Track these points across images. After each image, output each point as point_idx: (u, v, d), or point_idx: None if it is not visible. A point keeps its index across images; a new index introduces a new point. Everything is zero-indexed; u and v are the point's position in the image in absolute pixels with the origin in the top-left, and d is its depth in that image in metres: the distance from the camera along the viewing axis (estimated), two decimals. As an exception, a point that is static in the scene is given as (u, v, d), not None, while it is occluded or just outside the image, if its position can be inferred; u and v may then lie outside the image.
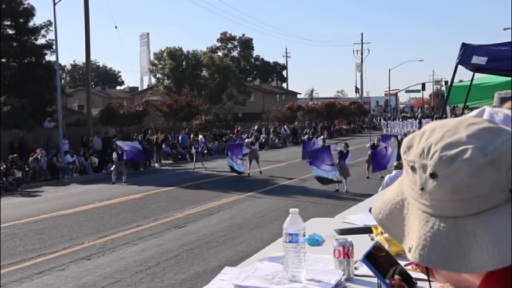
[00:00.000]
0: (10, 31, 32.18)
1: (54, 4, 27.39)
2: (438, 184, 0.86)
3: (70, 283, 8.93)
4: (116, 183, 22.07)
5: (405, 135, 28.37)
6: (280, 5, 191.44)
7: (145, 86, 74.53)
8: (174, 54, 55.47)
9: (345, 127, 59.58)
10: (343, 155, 18.51)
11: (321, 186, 18.24)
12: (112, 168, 23.21)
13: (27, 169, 23.51)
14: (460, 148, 0.85)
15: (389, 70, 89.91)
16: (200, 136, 31.54)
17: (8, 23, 31.87)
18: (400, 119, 67.73)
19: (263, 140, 41.60)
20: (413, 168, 0.91)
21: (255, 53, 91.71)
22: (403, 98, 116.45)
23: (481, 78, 7.37)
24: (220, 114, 57.73)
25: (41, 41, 32.69)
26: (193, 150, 28.02)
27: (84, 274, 9.37)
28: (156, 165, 30.26)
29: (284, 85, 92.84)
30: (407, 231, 0.93)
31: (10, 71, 31.54)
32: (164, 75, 56.40)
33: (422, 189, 0.89)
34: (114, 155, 23.21)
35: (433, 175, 0.86)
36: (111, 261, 10.22)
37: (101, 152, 28.57)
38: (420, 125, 57.74)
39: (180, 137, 35.26)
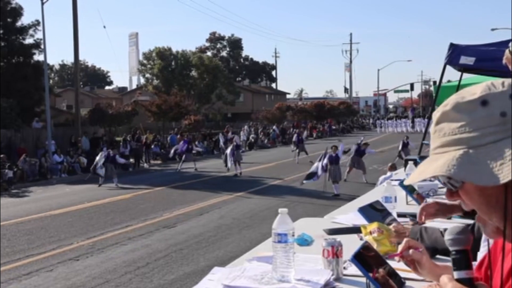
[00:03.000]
0: (-2, 31, 31.93)
1: (42, 3, 27.23)
2: None
3: (58, 284, 8.88)
4: (102, 184, 21.60)
5: (407, 137, 28.30)
6: (269, 5, 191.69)
7: (134, 86, 74.26)
8: (163, 54, 55.33)
9: (334, 127, 59.71)
10: (333, 159, 18.00)
11: (310, 186, 18.23)
12: (102, 173, 21.82)
13: (15, 169, 23.33)
14: None
15: (378, 70, 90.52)
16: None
17: (-4, 22, 31.61)
18: (394, 119, 68.27)
19: (253, 140, 41.62)
20: (484, 103, 0.96)
21: (244, 53, 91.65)
22: (392, 98, 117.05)
23: (469, 78, 7.42)
24: (210, 114, 57.68)
25: (29, 40, 32.46)
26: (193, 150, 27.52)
27: (73, 275, 9.32)
28: (145, 165, 30.16)
29: (274, 85, 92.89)
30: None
31: (-3, 70, 31.30)
32: (153, 75, 56.24)
33: (503, 114, 0.94)
34: (99, 158, 21.92)
35: None
36: (100, 261, 10.18)
37: (89, 152, 28.41)
38: (413, 124, 58.42)
39: (169, 138, 35.17)
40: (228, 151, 24.01)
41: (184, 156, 26.71)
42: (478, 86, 0.99)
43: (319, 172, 17.21)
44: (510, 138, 0.92)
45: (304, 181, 17.35)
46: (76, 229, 13.21)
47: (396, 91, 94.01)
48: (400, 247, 1.69)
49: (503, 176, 0.90)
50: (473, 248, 1.16)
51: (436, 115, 1.03)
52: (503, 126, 0.94)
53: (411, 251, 1.65)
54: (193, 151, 28.09)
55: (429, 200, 2.63)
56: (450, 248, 1.12)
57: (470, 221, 2.18)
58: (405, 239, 1.72)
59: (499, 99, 0.95)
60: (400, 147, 26.21)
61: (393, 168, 13.05)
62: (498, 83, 0.98)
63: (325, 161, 17.43)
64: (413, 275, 1.74)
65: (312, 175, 17.22)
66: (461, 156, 0.95)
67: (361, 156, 20.85)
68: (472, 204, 1.00)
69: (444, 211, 2.50)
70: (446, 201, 2.74)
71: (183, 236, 12.19)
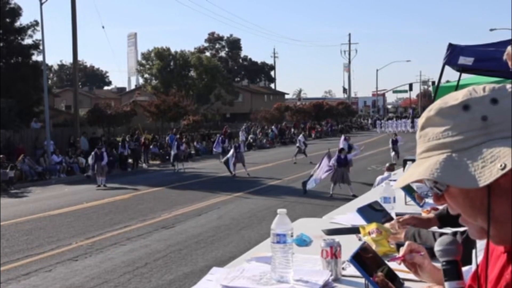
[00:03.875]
0: (-4, 31, 31.92)
1: (41, 4, 27.20)
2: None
3: (57, 284, 8.87)
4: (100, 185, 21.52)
5: (395, 135, 28.38)
6: (268, 6, 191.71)
7: (133, 87, 74.23)
8: (162, 54, 55.34)
9: (329, 129, 59.76)
10: (341, 160, 17.72)
11: (310, 186, 18.23)
12: (91, 173, 22.00)
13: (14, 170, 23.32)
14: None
15: (377, 70, 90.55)
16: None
17: (-6, 23, 31.60)
18: (394, 119, 68.49)
19: (251, 140, 41.62)
20: (466, 107, 0.98)
21: (243, 54, 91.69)
22: (391, 98, 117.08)
23: (468, 78, 7.41)
24: (208, 114, 57.64)
25: (27, 41, 32.48)
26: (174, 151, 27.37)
27: (72, 275, 9.31)
28: (144, 165, 30.15)
29: (272, 85, 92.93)
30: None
31: (-4, 71, 31.28)
32: (151, 75, 56.26)
33: (484, 118, 0.96)
34: (91, 159, 22.18)
35: (494, 101, 0.97)
36: (98, 261, 10.17)
37: (88, 153, 28.39)
38: (413, 124, 58.65)
39: (167, 138, 35.16)
40: (229, 154, 23.90)
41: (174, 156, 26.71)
42: (460, 92, 1.02)
43: (322, 174, 17.03)
44: (491, 142, 0.94)
45: (308, 187, 17.00)
46: (75, 229, 13.20)
47: (395, 91, 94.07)
48: (402, 251, 1.69)
49: (484, 178, 0.91)
50: (464, 261, 1.17)
51: (421, 120, 1.05)
52: (484, 129, 0.95)
53: (413, 254, 1.66)
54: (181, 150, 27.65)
55: (406, 216, 2.62)
56: (440, 259, 1.13)
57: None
58: (407, 243, 1.73)
59: (480, 104, 0.97)
60: (390, 145, 26.50)
61: (391, 168, 13.04)
62: (479, 88, 1.00)
63: (333, 161, 17.29)
64: (412, 275, 1.74)
65: (312, 180, 17.06)
66: (444, 160, 0.96)
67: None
68: (457, 207, 1.01)
69: (420, 225, 2.49)
70: (423, 215, 2.76)
71: (182, 236, 12.18)
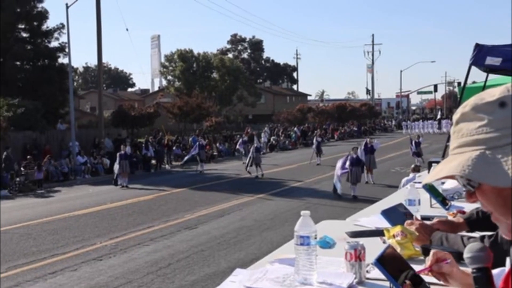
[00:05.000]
0: (24, 34, 32.45)
1: (67, 7, 27.59)
2: None
3: (82, 283, 8.97)
4: (119, 187, 21.72)
5: (418, 137, 28.06)
6: (290, 7, 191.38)
7: (156, 88, 74.80)
8: (185, 56, 55.64)
9: (355, 129, 59.40)
10: (353, 160, 17.80)
11: (332, 188, 18.17)
12: (116, 171, 22.22)
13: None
14: None
15: (401, 71, 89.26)
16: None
17: (23, 26, 32.13)
18: (420, 120, 68.09)
19: (274, 142, 41.59)
20: (502, 104, 0.98)
21: (265, 55, 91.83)
22: (415, 99, 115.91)
23: (495, 79, 7.29)
24: (231, 116, 57.79)
25: (54, 44, 32.95)
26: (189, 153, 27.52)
27: (96, 275, 9.41)
28: (167, 166, 30.33)
29: (295, 86, 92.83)
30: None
31: (24, 73, 31.78)
32: (174, 77, 56.59)
33: None
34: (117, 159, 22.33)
35: None
36: (122, 261, 10.25)
37: (112, 154, 28.69)
38: (440, 125, 58.20)
39: (190, 139, 35.32)
40: (250, 154, 24.07)
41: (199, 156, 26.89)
42: (498, 89, 1.00)
43: (339, 173, 17.13)
44: None
45: (339, 192, 17.11)
46: (100, 230, 13.33)
47: (419, 93, 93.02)
48: (428, 261, 1.66)
49: None
50: (498, 264, 1.14)
51: (455, 116, 1.03)
52: None
53: (440, 264, 1.62)
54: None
55: (434, 220, 2.55)
56: (470, 266, 1.11)
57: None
58: (432, 252, 1.69)
59: None
60: (413, 147, 26.19)
61: (417, 169, 12.91)
62: None
63: (348, 163, 17.29)
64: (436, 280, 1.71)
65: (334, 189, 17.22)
66: (477, 157, 0.95)
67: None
68: (489, 205, 0.99)
69: (449, 230, 2.41)
70: (449, 219, 2.68)
71: (205, 237, 12.22)
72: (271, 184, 21.53)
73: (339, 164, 17.46)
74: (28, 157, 23.65)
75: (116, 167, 22.29)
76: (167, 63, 57.62)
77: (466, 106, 1.01)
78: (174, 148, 32.46)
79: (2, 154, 23.01)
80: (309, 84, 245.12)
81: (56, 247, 11.60)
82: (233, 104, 57.90)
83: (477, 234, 2.30)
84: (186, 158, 27.85)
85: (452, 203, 3.33)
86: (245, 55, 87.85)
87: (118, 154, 22.73)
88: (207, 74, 55.87)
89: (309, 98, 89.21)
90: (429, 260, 1.65)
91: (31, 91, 29.10)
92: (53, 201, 19.07)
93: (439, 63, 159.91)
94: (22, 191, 21.19)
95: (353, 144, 22.21)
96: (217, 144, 36.80)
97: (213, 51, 62.36)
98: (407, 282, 1.62)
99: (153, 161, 29.49)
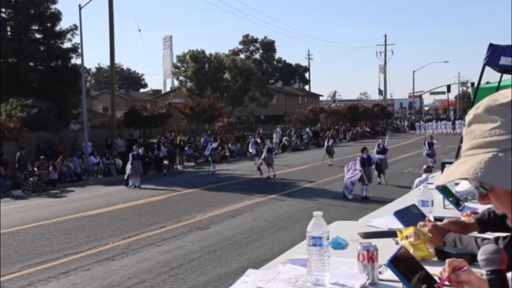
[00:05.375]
0: (38, 35, 32.70)
1: (80, 8, 27.76)
2: None
3: (95, 283, 9.02)
4: (130, 188, 21.81)
5: (431, 137, 27.88)
6: (302, 7, 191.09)
7: (168, 89, 75.02)
8: (197, 57, 55.75)
9: (367, 130, 59.22)
10: (365, 161, 17.78)
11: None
12: (128, 171, 22.40)
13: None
14: None
15: (413, 71, 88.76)
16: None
17: (36, 27, 32.38)
18: (434, 121, 67.90)
19: (286, 142, 41.56)
20: None
21: (277, 55, 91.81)
22: (428, 100, 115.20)
23: (510, 79, 7.23)
24: (243, 116, 57.84)
25: (67, 44, 33.18)
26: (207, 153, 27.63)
27: (109, 275, 9.45)
28: (179, 167, 30.41)
29: (307, 87, 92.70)
30: None
31: (37, 74, 32.04)
32: (186, 77, 56.72)
33: None
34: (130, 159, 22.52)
35: None
36: (135, 261, 10.30)
37: (125, 154, 28.83)
38: (454, 126, 57.91)
39: (202, 139, 35.41)
40: (263, 156, 24.21)
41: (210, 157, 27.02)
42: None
43: (351, 179, 16.97)
44: None
45: (350, 196, 17.03)
46: (112, 230, 13.40)
47: (432, 93, 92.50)
48: (445, 272, 1.64)
49: None
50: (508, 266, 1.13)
51: (468, 117, 1.02)
52: None
53: (458, 273, 1.60)
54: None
55: (444, 220, 2.52)
56: (484, 269, 1.10)
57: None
58: (447, 261, 1.67)
59: None
60: (426, 148, 26.10)
61: (429, 170, 12.84)
62: None
63: (358, 165, 17.20)
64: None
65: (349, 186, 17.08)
66: (489, 159, 0.93)
67: (370, 165, 18.04)
68: (502, 207, 0.98)
69: (459, 231, 2.38)
70: (462, 219, 2.63)
71: (216, 237, 12.24)
72: (283, 184, 21.52)
73: (348, 167, 17.30)
74: (41, 157, 23.84)
75: (128, 167, 22.41)
76: (179, 64, 57.76)
77: (479, 107, 1.00)
78: (186, 148, 32.56)
79: (16, 155, 23.21)
80: (321, 84, 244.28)
81: (69, 247, 11.67)
82: (245, 104, 57.90)
83: (491, 236, 2.29)
84: (202, 159, 27.86)
85: (466, 204, 3.30)
86: (257, 56, 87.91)
87: (130, 154, 22.86)
88: (219, 74, 55.94)
89: (321, 98, 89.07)
90: (445, 270, 1.63)
91: (44, 92, 29.32)
92: (66, 201, 19.20)
93: (452, 63, 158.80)
94: (35, 191, 21.36)
95: (365, 145, 22.12)
96: (229, 145, 36.85)
97: (225, 52, 62.47)
98: (424, 286, 1.60)
99: (165, 162, 29.59)
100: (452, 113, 78.25)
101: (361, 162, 17.30)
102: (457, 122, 58.64)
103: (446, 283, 1.62)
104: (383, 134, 53.82)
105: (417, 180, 11.49)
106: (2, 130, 24.04)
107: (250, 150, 31.16)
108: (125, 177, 22.48)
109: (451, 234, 2.28)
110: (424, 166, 13.64)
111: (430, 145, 26.20)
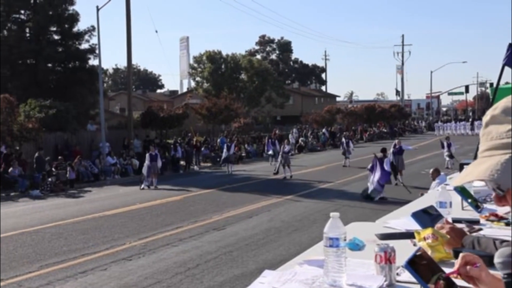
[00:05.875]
0: (56, 37, 33.02)
1: (98, 10, 27.99)
2: None
3: (112, 282, 9.08)
4: (144, 189, 21.81)
5: (447, 138, 27.69)
6: (319, 8, 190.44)
7: (185, 89, 75.22)
8: (213, 58, 55.88)
9: (385, 130, 58.90)
10: (381, 162, 17.71)
11: (360, 189, 18.07)
12: (145, 173, 22.40)
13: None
14: None
15: (431, 72, 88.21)
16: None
17: (54, 28, 32.71)
18: (453, 121, 67.45)
19: (302, 143, 41.51)
20: None
21: (293, 56, 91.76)
22: (446, 100, 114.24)
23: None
24: (259, 117, 57.85)
25: (84, 46, 33.44)
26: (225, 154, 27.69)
27: (126, 274, 9.51)
28: (195, 167, 30.51)
29: (323, 87, 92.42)
30: None
31: (55, 75, 32.36)
32: (203, 78, 56.86)
33: None
34: (147, 159, 22.55)
35: None
36: (151, 262, 10.35)
37: (141, 155, 28.99)
38: (472, 126, 57.47)
39: (219, 140, 35.50)
40: (279, 157, 24.24)
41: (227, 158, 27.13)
42: None
43: (379, 180, 16.84)
44: None
45: (377, 197, 16.93)
46: (129, 230, 13.48)
47: (450, 93, 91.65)
48: (456, 264, 1.63)
49: None
50: None
51: (485, 118, 1.02)
52: None
53: (468, 268, 1.59)
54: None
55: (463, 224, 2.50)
56: (501, 272, 1.09)
57: None
58: (461, 254, 1.67)
59: None
60: (446, 149, 25.97)
61: (437, 173, 12.62)
62: None
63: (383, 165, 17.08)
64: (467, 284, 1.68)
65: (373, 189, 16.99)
66: (506, 161, 0.93)
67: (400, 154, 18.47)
68: None
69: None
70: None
71: (233, 238, 12.25)
72: (300, 185, 21.49)
73: (373, 168, 17.14)
74: (59, 157, 24.06)
75: (145, 168, 22.42)
76: (195, 65, 57.93)
77: (496, 108, 1.00)
78: (202, 149, 32.65)
79: (35, 155, 23.46)
80: (338, 85, 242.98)
81: (86, 246, 11.77)
82: (261, 105, 57.90)
83: (510, 238, 2.26)
84: (223, 160, 27.84)
85: (485, 205, 3.28)
86: (273, 56, 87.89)
87: (148, 154, 22.92)
88: (235, 75, 56.02)
89: (337, 99, 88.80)
90: (457, 263, 1.62)
91: (62, 93, 29.61)
92: (84, 201, 19.36)
93: (470, 64, 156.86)
94: (53, 191, 21.56)
95: (382, 146, 22.02)
96: (246, 145, 36.88)
97: (241, 53, 62.56)
98: (441, 281, 1.59)
99: (182, 162, 29.70)
100: (470, 114, 77.53)
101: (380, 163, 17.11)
102: (475, 122, 58.17)
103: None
104: (400, 135, 53.65)
105: (434, 183, 11.40)
106: (21, 130, 24.34)
107: (269, 152, 31.19)
108: (142, 178, 22.56)
109: (470, 236, 2.26)
110: (431, 170, 13.16)
111: (449, 145, 26.06)
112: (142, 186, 22.03)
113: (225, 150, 27.47)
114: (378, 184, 16.77)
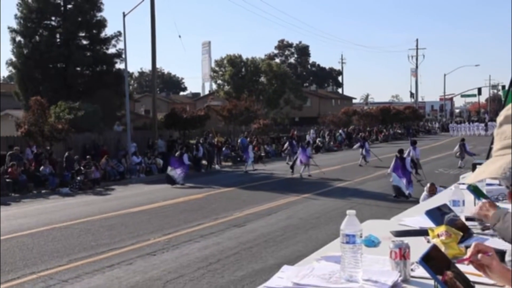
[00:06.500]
0: (84, 42, 33.33)
1: (124, 16, 28.22)
2: None
3: (137, 276, 9.15)
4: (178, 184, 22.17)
5: (462, 140, 27.35)
6: (335, 13, 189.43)
7: (207, 92, 75.54)
8: (234, 61, 55.95)
9: (399, 131, 58.48)
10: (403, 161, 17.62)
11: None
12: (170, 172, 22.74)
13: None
14: None
15: (444, 75, 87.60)
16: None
17: (83, 34, 33.03)
18: (467, 122, 67.03)
19: (319, 143, 41.38)
20: None
21: (311, 60, 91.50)
22: (459, 102, 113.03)
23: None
24: (278, 118, 57.72)
25: (111, 50, 33.65)
26: (251, 155, 27.93)
27: (150, 269, 9.58)
28: (217, 166, 30.57)
29: (340, 90, 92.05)
30: None
31: (84, 78, 32.66)
32: (224, 81, 56.95)
33: None
34: (186, 158, 23.13)
35: None
36: (174, 257, 10.40)
37: (165, 154, 29.15)
38: (486, 127, 56.95)
39: (239, 140, 35.54)
40: (298, 160, 24.25)
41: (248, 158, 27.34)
42: None
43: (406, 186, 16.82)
44: None
45: (407, 192, 16.83)
46: (153, 226, 13.56)
47: (463, 96, 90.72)
48: (468, 252, 1.63)
49: None
50: None
51: (499, 118, 1.01)
52: None
53: (480, 255, 1.59)
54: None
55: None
56: None
57: None
58: (473, 243, 1.66)
59: None
60: (459, 150, 25.75)
61: (433, 190, 11.75)
62: None
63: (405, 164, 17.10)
64: (483, 279, 1.67)
65: (400, 192, 16.90)
66: None
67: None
68: None
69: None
70: None
71: (252, 234, 12.26)
72: (317, 184, 21.42)
73: (395, 167, 17.08)
74: (87, 157, 24.30)
75: (173, 171, 22.65)
76: (217, 68, 58.07)
77: (509, 109, 0.99)
78: (223, 149, 32.72)
79: (64, 154, 23.72)
80: (354, 87, 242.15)
81: (113, 242, 11.87)
82: (280, 107, 57.81)
83: None
84: (250, 162, 27.93)
85: (497, 204, 3.24)
86: (292, 60, 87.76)
87: (177, 154, 23.18)
88: (255, 78, 56.00)
89: (354, 101, 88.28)
90: (470, 251, 1.62)
91: (90, 95, 29.86)
92: (110, 199, 19.52)
93: (483, 67, 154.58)
94: (81, 189, 21.78)
95: (399, 146, 21.86)
96: (265, 146, 36.87)
97: (261, 56, 62.57)
98: (448, 272, 1.59)
99: (204, 162, 29.78)
100: (486, 115, 76.67)
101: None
102: (489, 123, 57.63)
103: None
104: (414, 136, 53.27)
105: (424, 194, 11.39)
106: (51, 131, 24.64)
107: (286, 148, 31.31)
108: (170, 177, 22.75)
109: (501, 210, 2.21)
110: (428, 185, 12.43)
111: (463, 146, 25.87)
112: (176, 180, 22.14)
113: (250, 151, 27.81)
114: (406, 182, 16.77)
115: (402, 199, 16.40)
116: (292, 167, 24.56)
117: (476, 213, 2.20)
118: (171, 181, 22.35)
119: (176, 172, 22.36)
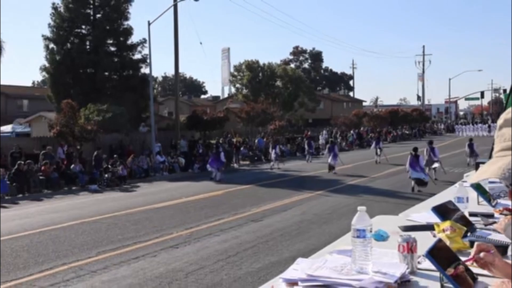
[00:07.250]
0: (112, 48, 33.63)
1: (149, 24, 28.43)
2: None
3: (161, 267, 9.21)
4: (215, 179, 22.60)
5: (471, 140, 27.11)
6: (347, 21, 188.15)
7: (226, 95, 75.55)
8: (252, 66, 55.94)
9: (407, 132, 58.10)
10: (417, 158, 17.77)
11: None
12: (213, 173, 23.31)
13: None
14: None
15: (449, 79, 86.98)
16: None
17: (111, 41, 33.32)
18: (471, 124, 66.55)
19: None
20: None
21: (324, 65, 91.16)
22: (463, 105, 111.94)
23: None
24: (292, 120, 57.59)
25: (137, 56, 33.90)
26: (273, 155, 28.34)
27: (173, 260, 9.63)
28: (235, 165, 30.61)
29: (351, 93, 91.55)
30: None
31: (111, 82, 32.95)
32: (242, 85, 56.98)
33: None
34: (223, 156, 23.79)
35: None
36: (196, 249, 10.44)
37: (187, 154, 29.27)
38: (489, 128, 56.43)
39: (256, 141, 35.56)
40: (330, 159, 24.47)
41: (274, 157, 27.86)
42: None
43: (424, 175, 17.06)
44: None
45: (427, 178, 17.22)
46: (176, 221, 13.63)
47: (466, 99, 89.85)
48: (472, 252, 1.63)
49: None
50: None
51: (499, 121, 1.02)
52: None
53: (482, 254, 1.59)
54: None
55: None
56: None
57: None
58: (476, 244, 1.67)
59: None
60: (468, 150, 25.57)
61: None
62: None
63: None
64: (485, 271, 1.68)
65: (421, 182, 17.07)
66: None
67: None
68: None
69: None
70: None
71: (269, 229, 12.26)
72: (329, 181, 21.35)
73: (411, 164, 17.30)
74: (115, 156, 24.50)
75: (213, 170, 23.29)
76: (235, 73, 58.11)
77: (509, 112, 1.00)
78: (241, 148, 32.76)
79: (93, 154, 23.94)
80: (364, 91, 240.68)
81: (138, 235, 11.95)
82: (294, 109, 57.67)
83: None
84: (273, 162, 28.17)
85: (499, 201, 3.22)
86: (306, 65, 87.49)
87: (214, 152, 24.03)
88: (271, 82, 55.93)
89: (364, 104, 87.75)
90: (473, 251, 1.62)
91: (118, 98, 30.10)
92: (136, 195, 19.65)
93: (485, 72, 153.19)
94: (109, 186, 21.96)
95: (406, 146, 21.71)
96: (280, 146, 36.83)
97: (277, 62, 62.44)
98: (461, 267, 1.59)
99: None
100: (488, 117, 75.90)
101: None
102: (492, 125, 57.18)
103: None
104: (420, 136, 52.79)
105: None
106: (81, 132, 24.89)
107: (306, 148, 31.71)
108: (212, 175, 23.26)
109: None
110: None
111: (470, 146, 25.66)
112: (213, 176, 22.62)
113: (273, 150, 28.27)
114: (423, 173, 17.26)
115: (410, 195, 16.31)
116: (330, 168, 24.44)
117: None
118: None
119: (215, 170, 23.03)
